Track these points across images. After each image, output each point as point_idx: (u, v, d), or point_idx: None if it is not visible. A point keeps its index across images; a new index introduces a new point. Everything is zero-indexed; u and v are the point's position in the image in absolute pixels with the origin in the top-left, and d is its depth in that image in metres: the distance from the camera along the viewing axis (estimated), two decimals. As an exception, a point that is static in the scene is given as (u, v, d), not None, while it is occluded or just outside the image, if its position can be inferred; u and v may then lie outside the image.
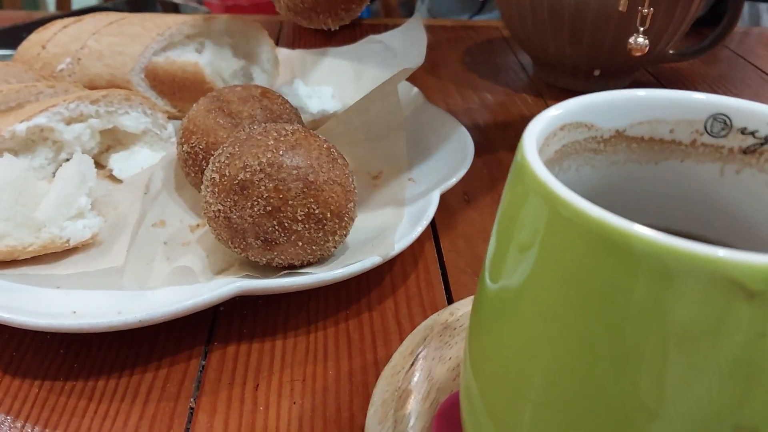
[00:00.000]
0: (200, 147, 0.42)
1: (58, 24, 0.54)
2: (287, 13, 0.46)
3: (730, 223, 0.27)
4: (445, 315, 0.36)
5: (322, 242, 0.37)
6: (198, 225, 0.43)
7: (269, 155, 0.36)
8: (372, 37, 0.63)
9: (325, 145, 0.38)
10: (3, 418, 0.32)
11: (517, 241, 0.21)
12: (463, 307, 0.36)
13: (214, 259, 0.40)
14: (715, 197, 0.27)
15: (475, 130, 0.62)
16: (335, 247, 0.39)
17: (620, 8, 0.50)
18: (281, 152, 0.36)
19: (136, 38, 0.51)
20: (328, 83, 0.61)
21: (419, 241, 0.45)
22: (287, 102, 0.46)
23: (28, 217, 0.38)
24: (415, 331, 0.35)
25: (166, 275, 0.38)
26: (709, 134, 0.26)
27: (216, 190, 0.36)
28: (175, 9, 0.89)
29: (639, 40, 0.51)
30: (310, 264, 0.39)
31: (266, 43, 0.58)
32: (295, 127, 0.38)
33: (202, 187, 0.38)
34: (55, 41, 0.52)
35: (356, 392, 0.34)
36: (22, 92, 0.46)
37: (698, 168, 0.27)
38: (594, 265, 0.18)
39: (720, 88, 0.74)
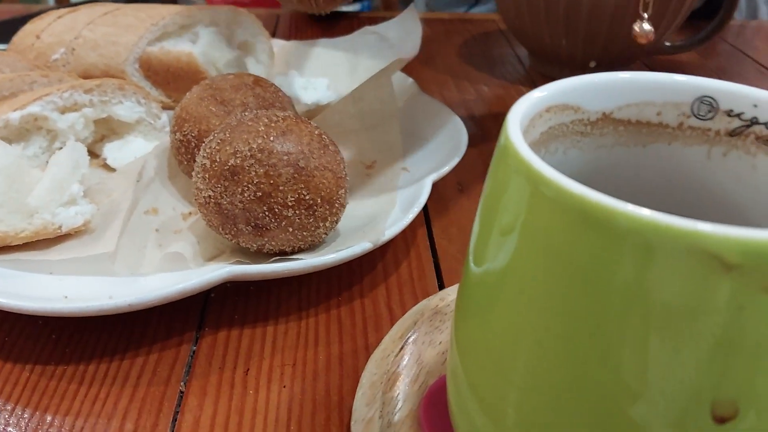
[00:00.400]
0: (192, 135, 0.42)
1: (53, 14, 0.55)
2: None
3: (717, 206, 0.27)
4: (435, 300, 0.36)
5: (312, 228, 0.37)
6: (190, 213, 0.43)
7: (260, 141, 0.36)
8: (367, 28, 0.63)
9: (316, 132, 0.38)
10: (-6, 402, 0.32)
11: (500, 223, 0.22)
12: (454, 292, 0.36)
13: (205, 245, 0.40)
14: (702, 180, 0.27)
15: (471, 122, 0.62)
16: (326, 234, 0.39)
17: None
18: (272, 138, 0.36)
19: (131, 28, 0.51)
20: (323, 74, 0.61)
21: (412, 228, 0.46)
22: (280, 90, 0.46)
23: (21, 203, 0.38)
24: (405, 315, 0.35)
25: (157, 261, 0.38)
26: (695, 117, 0.26)
27: (207, 176, 0.36)
28: (174, 3, 0.89)
29: (644, 27, 0.50)
30: (301, 250, 0.39)
31: (261, 33, 0.58)
32: (286, 114, 0.38)
33: (193, 173, 0.38)
34: (50, 31, 0.52)
35: (346, 376, 0.34)
36: (15, 81, 0.46)
37: (685, 151, 0.27)
38: (576, 242, 0.18)
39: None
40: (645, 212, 0.17)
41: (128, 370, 0.34)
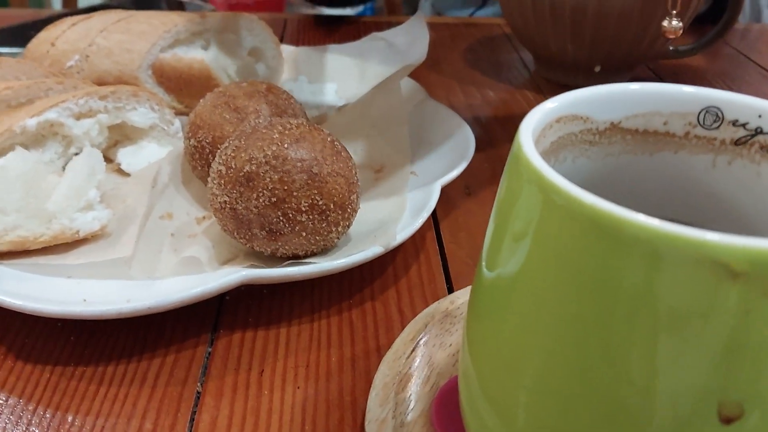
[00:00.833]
0: (207, 141, 0.43)
1: (67, 21, 0.55)
2: None
3: (723, 212, 0.28)
4: (445, 303, 0.37)
5: (325, 233, 0.38)
6: (204, 217, 0.44)
7: (274, 148, 0.36)
8: (375, 34, 0.64)
9: (329, 138, 0.39)
10: (17, 402, 0.33)
11: (513, 229, 0.22)
12: (463, 295, 0.37)
13: (219, 249, 0.41)
14: (708, 187, 0.28)
15: (477, 126, 0.63)
16: (338, 238, 0.40)
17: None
18: (286, 145, 0.37)
19: (144, 35, 0.52)
20: (332, 80, 0.62)
21: (421, 232, 0.46)
22: (292, 97, 0.47)
23: (40, 208, 0.39)
24: (416, 318, 0.36)
25: (173, 265, 0.39)
26: (701, 126, 0.27)
27: (222, 182, 0.37)
28: (180, 7, 0.90)
29: (674, 23, 0.51)
30: (313, 254, 0.40)
31: (270, 39, 0.59)
32: (300, 121, 0.39)
33: (209, 179, 0.39)
34: (64, 38, 0.53)
35: (359, 377, 0.35)
36: (32, 88, 0.47)
37: (692, 159, 0.28)
38: (586, 249, 0.19)
39: (720, 84, 0.75)
40: (654, 222, 0.18)
41: (146, 371, 0.35)
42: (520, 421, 0.23)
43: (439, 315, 0.36)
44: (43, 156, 0.45)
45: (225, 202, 0.37)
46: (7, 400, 0.33)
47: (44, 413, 0.32)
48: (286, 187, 0.36)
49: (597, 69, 0.69)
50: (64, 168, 0.46)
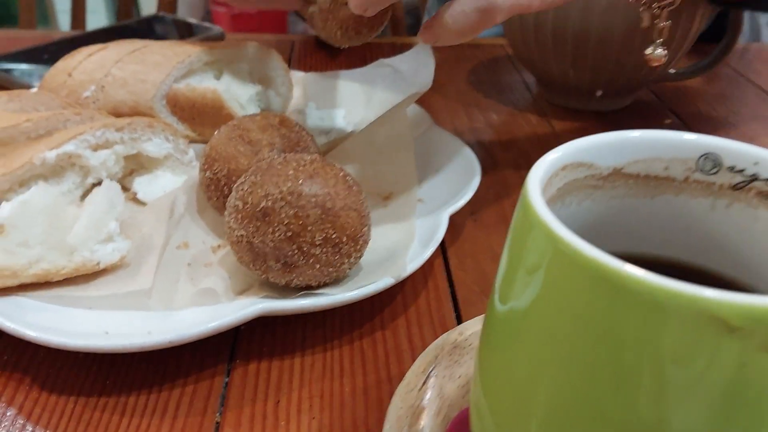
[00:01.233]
0: (222, 173, 0.44)
1: (83, 52, 0.57)
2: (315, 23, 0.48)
3: (722, 253, 0.29)
4: (454, 335, 0.38)
5: (338, 264, 0.40)
6: (219, 246, 0.46)
7: (289, 184, 0.38)
8: (381, 60, 0.65)
9: (341, 174, 0.40)
10: (42, 433, 0.34)
11: (524, 269, 0.24)
12: (471, 327, 0.38)
13: (235, 280, 0.42)
14: (708, 229, 0.29)
15: (481, 149, 0.65)
16: (350, 268, 0.41)
17: (644, 24, 0.51)
18: (300, 181, 0.38)
19: (158, 66, 0.53)
20: (340, 105, 0.63)
21: (429, 260, 0.48)
22: (304, 129, 0.48)
23: (61, 241, 0.40)
24: (426, 350, 0.37)
25: (190, 296, 0.40)
26: (701, 171, 0.29)
27: (239, 216, 0.39)
28: (188, 27, 0.91)
29: (658, 51, 0.52)
30: (326, 285, 0.41)
31: (281, 67, 0.60)
32: (313, 157, 0.40)
33: (226, 213, 0.40)
34: (81, 69, 0.55)
35: (371, 407, 0.36)
36: (51, 120, 0.48)
37: (692, 202, 0.29)
38: (591, 298, 0.21)
39: (719, 106, 0.76)
40: (654, 277, 0.19)
41: (166, 401, 0.36)
42: (531, 453, 0.24)
43: (449, 347, 0.37)
44: (61, 187, 0.47)
45: (242, 235, 0.39)
46: (33, 431, 0.34)
47: (69, 443, 0.34)
48: (300, 222, 0.38)
49: (599, 93, 0.70)
50: (81, 197, 0.48)
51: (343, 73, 0.67)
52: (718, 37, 0.71)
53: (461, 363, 0.36)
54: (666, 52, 0.52)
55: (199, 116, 0.54)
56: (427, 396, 0.34)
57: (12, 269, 0.39)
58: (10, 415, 0.35)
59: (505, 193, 0.57)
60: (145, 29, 0.92)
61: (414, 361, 0.36)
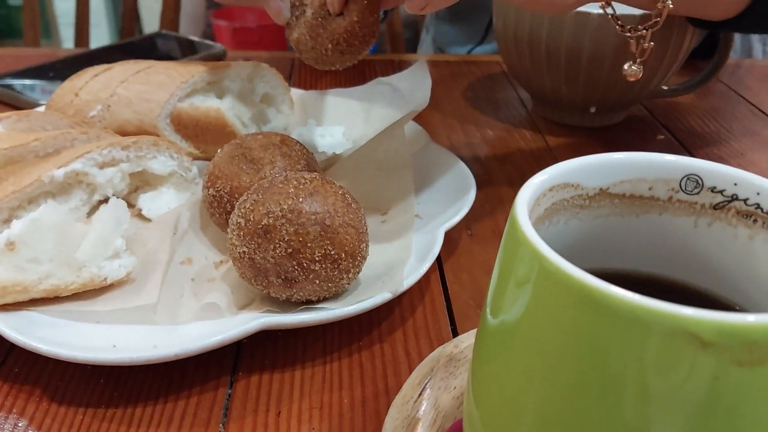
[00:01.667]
0: (225, 191, 0.46)
1: (90, 72, 0.59)
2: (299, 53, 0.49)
3: (704, 269, 0.31)
4: (449, 347, 0.39)
5: (337, 280, 0.41)
6: (222, 261, 0.47)
7: (290, 202, 0.39)
8: (380, 79, 0.67)
9: (340, 192, 0.42)
10: (52, 443, 0.36)
11: (513, 285, 0.25)
12: (466, 339, 0.40)
13: (237, 294, 0.43)
14: (690, 246, 0.31)
15: (477, 165, 0.66)
16: (349, 283, 0.43)
17: (632, 49, 0.53)
18: (301, 199, 0.40)
19: (162, 86, 0.55)
20: (339, 123, 0.65)
21: (426, 274, 0.49)
22: (304, 148, 0.50)
23: (70, 257, 0.42)
24: (422, 362, 0.38)
25: (195, 311, 0.41)
26: (683, 192, 0.30)
27: (241, 233, 0.40)
28: (191, 45, 0.93)
29: (633, 68, 0.54)
30: (325, 299, 0.42)
31: (281, 86, 0.62)
32: (313, 176, 0.42)
33: (228, 230, 0.41)
34: (87, 89, 0.56)
35: (369, 419, 0.37)
36: (58, 139, 0.50)
37: (675, 220, 0.31)
38: (576, 314, 0.22)
39: (711, 121, 0.78)
40: (634, 296, 0.21)
41: (171, 412, 0.37)
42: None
43: (444, 359, 0.38)
44: (69, 204, 0.48)
45: (244, 252, 0.40)
46: (43, 441, 0.36)
47: (78, 454, 0.35)
48: (301, 239, 0.39)
49: (592, 110, 0.72)
50: (88, 214, 0.49)
51: (343, 91, 0.69)
52: (710, 53, 0.72)
53: (456, 375, 0.38)
54: (641, 69, 0.54)
55: (203, 134, 0.55)
56: (423, 407, 0.35)
57: (23, 285, 0.40)
58: (21, 426, 0.36)
59: (501, 208, 0.59)
60: (149, 46, 0.94)
61: (411, 373, 0.37)
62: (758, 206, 0.28)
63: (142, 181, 0.53)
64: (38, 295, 0.41)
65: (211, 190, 0.46)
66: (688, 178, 0.30)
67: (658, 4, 0.49)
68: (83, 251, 0.42)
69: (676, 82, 0.75)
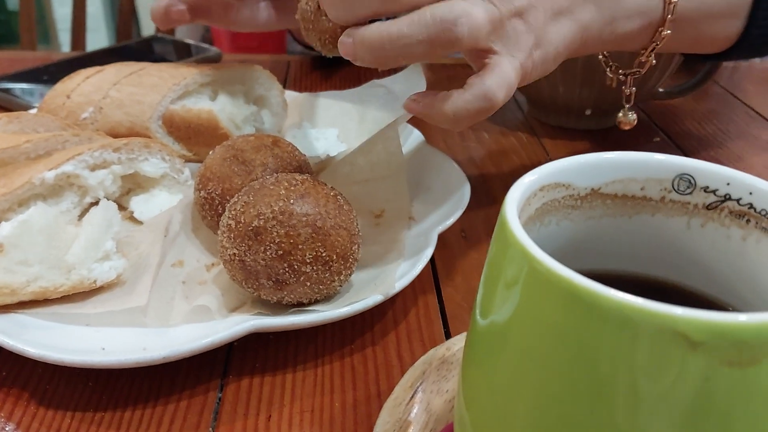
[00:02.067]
0: (216, 193, 0.45)
1: (82, 74, 0.58)
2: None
3: (697, 270, 0.30)
4: (442, 350, 0.39)
5: (328, 282, 0.41)
6: (213, 264, 0.47)
7: (281, 204, 0.39)
8: (375, 81, 0.67)
9: (332, 193, 0.41)
10: (39, 447, 0.35)
11: (502, 286, 0.25)
12: (459, 342, 0.39)
13: (228, 297, 0.43)
14: (683, 247, 0.30)
15: (473, 168, 0.66)
16: (341, 286, 0.42)
17: (608, 83, 0.54)
18: (292, 201, 0.39)
19: (154, 88, 0.54)
20: (333, 125, 0.65)
21: (419, 277, 0.48)
22: (296, 149, 0.49)
23: (60, 259, 0.41)
24: (414, 365, 0.38)
25: (185, 313, 0.41)
26: (676, 191, 0.30)
27: (232, 235, 0.40)
28: (187, 48, 0.93)
29: (630, 116, 0.55)
30: (317, 301, 0.42)
31: (275, 87, 0.62)
32: (305, 177, 0.42)
33: (219, 232, 0.41)
34: (79, 91, 0.56)
35: (360, 422, 0.37)
36: (50, 141, 0.49)
37: (668, 221, 0.30)
38: (566, 314, 0.22)
39: (708, 124, 0.78)
40: (623, 296, 0.20)
41: (161, 416, 0.37)
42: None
43: (436, 362, 0.38)
44: (60, 206, 0.48)
45: (234, 254, 0.40)
46: (30, 445, 0.35)
47: (66, 458, 0.35)
48: (292, 241, 0.39)
49: (588, 112, 0.72)
50: (79, 217, 0.49)
51: (337, 93, 0.68)
52: (706, 56, 0.72)
53: (449, 378, 0.37)
54: (635, 116, 0.54)
55: (195, 136, 0.55)
56: (414, 410, 0.35)
57: (11, 287, 0.40)
58: (9, 430, 0.36)
59: (496, 211, 0.57)
60: (145, 50, 0.94)
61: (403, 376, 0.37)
62: (751, 206, 0.28)
63: (134, 184, 0.52)
64: (27, 298, 0.40)
65: (202, 192, 0.46)
66: (680, 178, 0.29)
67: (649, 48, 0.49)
68: (73, 253, 0.42)
69: (673, 85, 0.75)
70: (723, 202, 0.29)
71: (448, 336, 0.44)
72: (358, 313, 0.40)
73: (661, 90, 0.75)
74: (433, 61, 0.89)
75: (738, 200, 0.28)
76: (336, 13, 0.39)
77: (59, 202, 0.48)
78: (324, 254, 0.39)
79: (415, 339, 0.43)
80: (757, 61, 1.03)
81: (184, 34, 1.75)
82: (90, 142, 0.51)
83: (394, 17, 0.39)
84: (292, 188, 0.40)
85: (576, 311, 0.21)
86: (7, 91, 0.76)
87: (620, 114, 0.54)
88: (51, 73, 0.80)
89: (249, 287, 0.41)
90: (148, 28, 2.54)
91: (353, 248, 0.41)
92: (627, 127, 0.54)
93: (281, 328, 0.39)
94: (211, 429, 0.36)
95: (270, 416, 0.37)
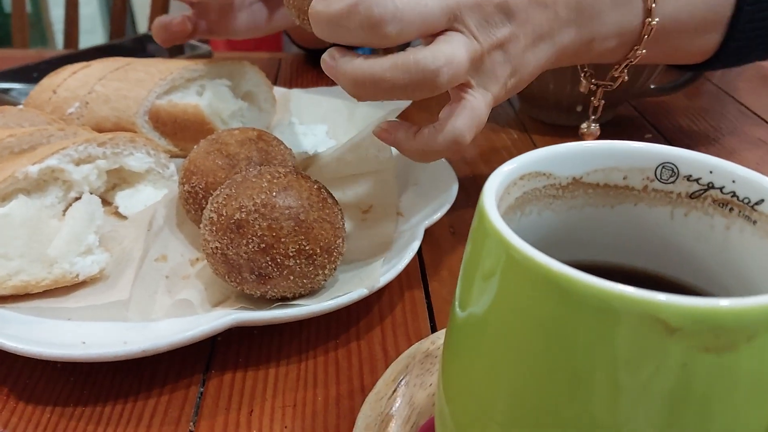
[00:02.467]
0: (200, 187, 0.45)
1: (68, 69, 0.58)
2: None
3: (681, 260, 0.30)
4: (426, 344, 0.38)
5: (312, 276, 0.40)
6: (198, 259, 0.46)
7: (263, 196, 0.39)
8: (364, 77, 0.66)
9: (315, 186, 0.41)
10: (17, 442, 0.35)
11: (481, 276, 0.24)
12: (444, 336, 0.39)
13: (211, 291, 0.43)
14: (666, 237, 0.30)
15: (462, 164, 0.65)
16: (325, 280, 0.42)
17: (582, 89, 0.54)
18: (274, 193, 0.39)
19: (140, 83, 0.54)
20: (322, 121, 0.64)
21: (406, 272, 0.48)
22: (282, 143, 0.49)
23: (41, 253, 0.41)
24: (398, 359, 0.37)
25: (167, 308, 0.41)
26: (659, 180, 0.29)
27: (214, 228, 0.39)
28: (179, 46, 0.92)
29: (592, 128, 0.55)
30: (301, 296, 0.41)
31: (263, 83, 0.61)
32: (288, 170, 0.41)
33: (201, 225, 0.41)
34: (65, 86, 0.56)
35: (343, 417, 0.36)
36: (34, 135, 0.49)
37: (651, 211, 0.30)
38: (544, 302, 0.21)
39: (700, 121, 0.77)
40: (600, 281, 0.20)
41: (141, 411, 0.37)
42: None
43: (420, 355, 0.37)
44: (44, 201, 0.47)
45: (216, 247, 0.39)
46: (8, 440, 0.35)
47: (44, 453, 0.34)
48: (274, 234, 0.38)
49: (579, 108, 0.71)
50: (64, 212, 0.48)
51: (326, 89, 0.68)
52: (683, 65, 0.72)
53: (432, 371, 0.37)
54: (598, 127, 0.54)
55: (182, 131, 0.55)
56: (397, 404, 0.34)
57: (-9, 281, 0.39)
58: (-14, 425, 0.36)
59: (485, 207, 0.58)
60: (137, 48, 0.93)
61: (387, 370, 0.36)
62: (734, 194, 0.27)
63: (119, 179, 0.52)
64: (7, 292, 0.40)
65: (186, 186, 0.46)
66: (663, 167, 0.29)
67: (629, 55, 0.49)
68: (55, 247, 0.41)
69: (664, 81, 0.75)
70: (706, 190, 0.29)
71: (434, 330, 0.43)
72: (342, 307, 0.40)
73: (652, 87, 0.74)
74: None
75: (721, 188, 0.28)
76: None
77: (44, 196, 0.48)
78: (307, 247, 0.39)
79: (401, 333, 0.43)
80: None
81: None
82: (75, 137, 0.50)
83: None
84: (275, 181, 0.40)
85: (554, 299, 0.21)
86: (-5, 88, 0.75)
87: (583, 126, 0.54)
88: (41, 71, 0.79)
89: (232, 281, 0.40)
90: (144, 29, 2.54)
91: (337, 242, 0.41)
92: (590, 139, 0.54)
93: (264, 322, 0.39)
94: (191, 423, 0.36)
95: (252, 411, 0.37)
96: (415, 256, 0.49)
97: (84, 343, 0.37)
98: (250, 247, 0.38)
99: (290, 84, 0.86)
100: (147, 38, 0.98)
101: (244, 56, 0.91)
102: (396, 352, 0.41)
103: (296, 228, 0.39)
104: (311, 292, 0.42)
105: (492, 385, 0.24)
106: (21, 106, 0.59)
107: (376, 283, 0.41)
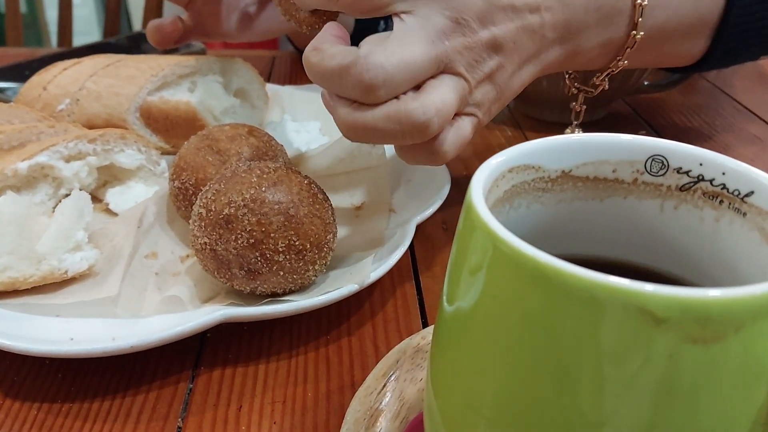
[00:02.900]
0: (190, 183, 0.45)
1: (59, 66, 0.58)
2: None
3: (671, 253, 0.30)
4: (417, 339, 0.38)
5: (302, 272, 0.40)
6: (188, 255, 0.46)
7: (252, 191, 0.38)
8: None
9: (305, 182, 0.41)
10: (4, 439, 0.34)
11: (468, 270, 0.24)
12: (434, 331, 0.39)
13: (201, 288, 0.42)
14: (656, 230, 0.30)
15: (456, 161, 0.65)
16: (316, 276, 0.42)
17: (565, 91, 0.54)
18: (264, 188, 0.39)
19: (132, 80, 0.54)
20: (316, 118, 0.64)
21: (398, 267, 0.48)
22: (273, 139, 0.49)
23: (30, 250, 0.41)
24: (388, 354, 0.37)
25: (156, 304, 0.40)
26: (648, 173, 0.29)
27: (203, 224, 0.39)
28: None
29: (576, 133, 0.55)
30: (292, 292, 0.41)
31: (256, 80, 0.61)
32: (278, 165, 0.41)
33: (191, 221, 0.40)
34: (56, 83, 0.56)
35: (333, 412, 0.36)
36: (24, 132, 0.49)
37: (641, 204, 0.30)
38: (530, 295, 0.21)
39: (695, 117, 0.77)
40: (587, 272, 0.20)
41: (129, 407, 0.36)
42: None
43: (411, 350, 0.37)
44: (34, 198, 0.47)
45: (205, 243, 0.39)
46: (-5, 437, 0.35)
47: (31, 449, 0.34)
48: (263, 229, 0.38)
49: (573, 105, 0.71)
50: (54, 209, 0.48)
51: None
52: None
53: (423, 367, 0.37)
54: (581, 132, 0.54)
55: (173, 128, 0.54)
56: (386, 399, 0.34)
57: (-21, 278, 0.39)
58: (-28, 422, 0.35)
59: (478, 203, 0.57)
60: (131, 46, 0.93)
61: (377, 365, 0.36)
62: (724, 186, 0.27)
63: (110, 176, 0.52)
64: (-5, 289, 0.40)
65: (176, 182, 0.45)
66: (653, 159, 0.29)
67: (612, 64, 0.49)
68: (44, 243, 0.41)
69: (658, 78, 0.74)
70: (696, 183, 0.28)
71: (425, 326, 0.43)
72: (332, 302, 0.40)
73: (646, 83, 0.74)
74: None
75: (711, 181, 0.28)
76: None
77: (34, 193, 0.47)
78: (297, 243, 0.39)
79: (392, 329, 0.43)
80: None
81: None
82: (65, 134, 0.50)
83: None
84: (265, 176, 0.39)
85: (540, 291, 0.21)
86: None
87: (567, 131, 0.54)
88: (33, 69, 0.78)
89: (221, 277, 0.40)
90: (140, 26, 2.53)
91: (328, 237, 0.41)
92: None
93: (253, 317, 0.39)
94: (180, 419, 0.36)
95: (240, 407, 0.36)
96: (406, 251, 0.49)
97: (72, 339, 0.37)
98: (239, 242, 0.38)
99: (284, 81, 0.86)
100: (141, 37, 0.98)
101: (236, 53, 0.91)
102: (387, 347, 0.41)
103: (286, 223, 0.38)
104: (301, 288, 0.42)
105: (479, 379, 0.24)
106: (11, 103, 0.59)
107: (366, 278, 0.41)
